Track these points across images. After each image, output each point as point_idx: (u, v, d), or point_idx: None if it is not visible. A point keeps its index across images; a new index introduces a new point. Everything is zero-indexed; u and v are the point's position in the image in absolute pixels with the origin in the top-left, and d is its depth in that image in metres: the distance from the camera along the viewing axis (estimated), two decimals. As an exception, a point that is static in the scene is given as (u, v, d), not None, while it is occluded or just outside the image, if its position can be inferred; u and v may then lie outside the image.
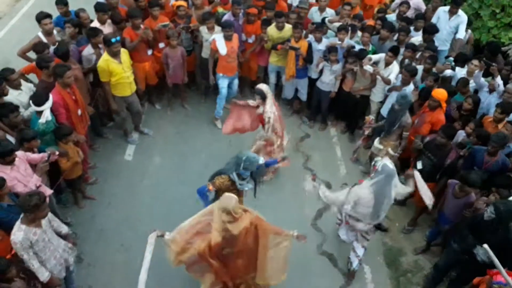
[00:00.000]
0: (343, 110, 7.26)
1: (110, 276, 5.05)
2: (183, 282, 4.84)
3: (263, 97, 5.74)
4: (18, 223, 3.79)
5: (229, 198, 3.89)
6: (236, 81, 7.16)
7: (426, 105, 5.69)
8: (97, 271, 5.07)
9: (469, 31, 7.40)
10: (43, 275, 3.96)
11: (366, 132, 6.28)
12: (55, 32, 6.17)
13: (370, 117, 6.13)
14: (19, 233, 3.75)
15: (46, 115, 4.87)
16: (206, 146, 6.87)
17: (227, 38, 6.49)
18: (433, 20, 7.36)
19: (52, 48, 5.74)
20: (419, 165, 5.41)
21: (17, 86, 5.21)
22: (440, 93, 5.56)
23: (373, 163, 4.67)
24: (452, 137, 5.32)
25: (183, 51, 6.79)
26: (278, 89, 7.74)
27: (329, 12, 7.42)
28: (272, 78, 7.48)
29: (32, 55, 5.95)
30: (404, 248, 5.72)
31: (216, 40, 6.51)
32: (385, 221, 6.01)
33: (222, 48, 6.52)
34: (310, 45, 6.74)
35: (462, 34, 7.25)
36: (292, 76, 7.00)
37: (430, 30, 6.77)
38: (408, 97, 5.56)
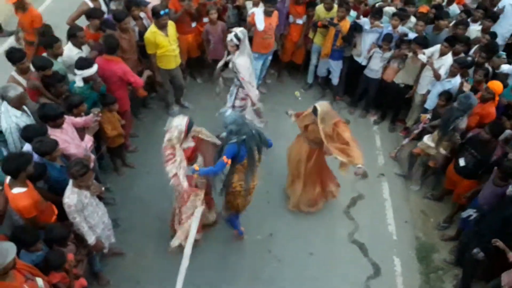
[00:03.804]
0: (384, 99, 7.08)
1: (143, 243, 5.21)
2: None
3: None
4: (70, 186, 3.91)
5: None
6: (270, 58, 7.05)
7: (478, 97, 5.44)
8: (132, 237, 5.23)
9: None
10: (91, 238, 4.12)
11: (416, 131, 6.04)
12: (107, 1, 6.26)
13: (427, 116, 5.86)
14: (73, 196, 3.88)
15: (79, 80, 4.96)
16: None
17: (267, 14, 6.35)
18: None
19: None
20: (462, 162, 5.22)
21: (81, 44, 5.35)
22: (496, 85, 5.29)
23: None
24: (498, 135, 5.07)
25: (223, 27, 6.72)
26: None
27: None
28: (314, 59, 7.36)
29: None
30: (437, 244, 5.62)
31: (256, 14, 6.39)
32: (420, 216, 5.93)
33: (260, 22, 6.38)
34: (352, 27, 6.55)
35: None
36: (326, 55, 6.89)
37: (492, 17, 6.40)
38: (471, 99, 5.22)
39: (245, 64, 5.57)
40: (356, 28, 6.51)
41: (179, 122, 4.28)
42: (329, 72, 7.26)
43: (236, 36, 5.38)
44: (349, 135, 4.88)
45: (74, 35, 5.31)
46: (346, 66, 7.13)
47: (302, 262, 5.27)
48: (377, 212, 5.94)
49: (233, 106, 5.97)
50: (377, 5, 6.97)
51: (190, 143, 4.51)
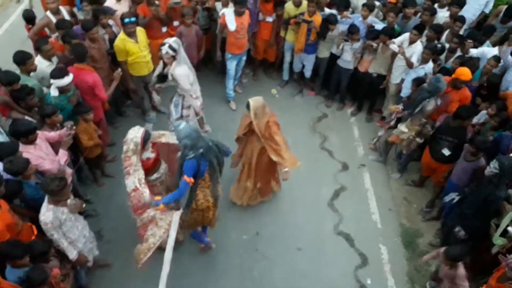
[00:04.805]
0: (359, 90, 7.16)
1: (130, 252, 5.09)
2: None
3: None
4: (45, 203, 3.85)
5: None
6: (244, 58, 7.05)
7: (449, 85, 5.54)
8: (116, 247, 5.16)
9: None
10: (72, 253, 4.06)
11: (392, 123, 6.08)
12: (76, 11, 6.17)
13: (399, 107, 5.90)
14: (49, 213, 3.82)
15: (53, 90, 4.88)
16: (223, 125, 6.85)
17: (238, 14, 6.33)
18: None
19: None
20: (446, 151, 5.28)
21: (49, 57, 5.27)
22: (465, 74, 5.40)
23: None
24: (467, 117, 5.12)
25: (197, 30, 6.70)
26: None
27: None
28: (288, 56, 7.39)
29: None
30: (421, 229, 5.71)
31: (226, 15, 6.37)
32: (403, 202, 6.01)
33: (231, 23, 6.36)
34: (324, 20, 6.59)
35: (489, 8, 7.04)
36: (300, 50, 6.92)
37: (458, 2, 6.52)
38: (440, 82, 5.32)
39: (184, 73, 5.37)
40: (329, 20, 6.52)
41: (134, 134, 4.21)
42: (303, 66, 7.30)
43: (170, 47, 5.18)
44: (279, 139, 4.94)
45: (39, 49, 5.23)
46: (326, 62, 7.16)
47: (291, 258, 5.28)
48: (361, 202, 6.01)
49: (182, 116, 5.76)
50: None
51: (150, 154, 4.46)
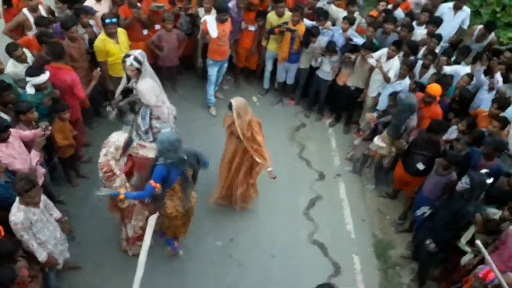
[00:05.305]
0: (338, 102, 7.27)
1: (101, 255, 5.07)
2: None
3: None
4: (16, 203, 3.77)
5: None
6: (225, 65, 7.08)
7: (421, 102, 5.66)
8: (88, 249, 5.06)
9: (493, 34, 7.15)
10: (41, 255, 3.97)
11: (368, 132, 6.18)
12: (54, 9, 6.08)
13: (374, 115, 6.01)
14: (19, 213, 3.73)
15: (29, 88, 4.81)
16: (202, 130, 6.84)
17: (221, 21, 6.33)
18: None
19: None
20: (421, 166, 5.37)
21: (23, 60, 5.14)
22: (434, 90, 5.56)
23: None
24: (439, 131, 5.23)
25: (179, 34, 6.71)
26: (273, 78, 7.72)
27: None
28: (269, 65, 7.44)
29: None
30: (393, 241, 5.79)
31: (207, 22, 6.36)
32: (376, 214, 6.11)
33: (213, 30, 6.35)
34: (307, 30, 6.68)
35: (466, 24, 7.32)
36: (284, 59, 6.98)
37: (436, 21, 6.71)
38: (411, 98, 5.44)
39: (148, 86, 5.13)
40: (312, 32, 6.62)
41: (117, 138, 4.14)
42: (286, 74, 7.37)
43: (135, 59, 4.92)
44: (261, 139, 5.00)
45: (10, 54, 5.10)
46: (306, 72, 7.24)
47: (264, 265, 5.28)
48: (335, 212, 6.06)
49: (150, 127, 5.44)
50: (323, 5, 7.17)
51: (125, 160, 4.40)
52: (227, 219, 5.69)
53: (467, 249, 4.63)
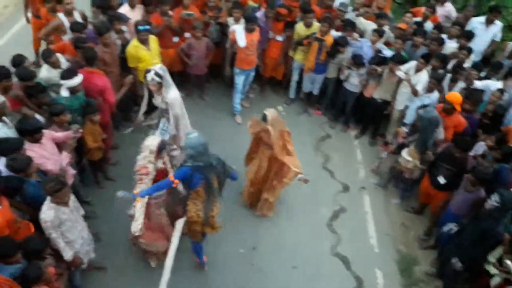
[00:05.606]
0: (364, 114, 7.23)
1: (125, 258, 5.13)
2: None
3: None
4: (47, 201, 3.85)
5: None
6: (252, 74, 7.13)
7: (442, 111, 5.58)
8: (113, 252, 5.13)
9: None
10: (68, 254, 4.05)
11: (395, 146, 6.07)
12: (89, 15, 6.27)
13: (403, 130, 5.92)
14: (50, 211, 3.82)
15: (64, 90, 4.94)
16: (227, 137, 6.88)
17: (249, 30, 6.41)
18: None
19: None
20: (442, 179, 5.30)
21: (57, 66, 5.29)
22: (452, 96, 5.50)
23: None
24: (467, 148, 5.18)
25: (208, 43, 6.81)
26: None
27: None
28: (295, 75, 7.47)
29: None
30: (418, 257, 5.68)
31: (236, 32, 6.46)
32: (401, 228, 6.00)
33: (241, 39, 6.44)
34: (334, 41, 6.69)
35: (499, 37, 7.23)
36: (310, 69, 6.99)
37: (468, 35, 6.63)
38: (431, 112, 5.39)
39: (176, 96, 5.17)
40: (340, 43, 6.62)
41: (150, 142, 4.24)
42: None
43: (156, 74, 4.95)
44: (292, 148, 5.21)
45: (45, 60, 5.26)
46: (333, 83, 7.24)
47: (286, 275, 5.25)
48: (359, 225, 6.00)
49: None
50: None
51: (161, 165, 4.48)
52: (249, 226, 5.70)
53: (495, 271, 4.49)
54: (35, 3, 6.94)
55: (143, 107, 5.39)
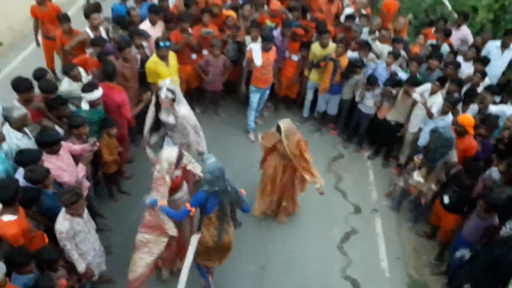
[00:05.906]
0: (377, 136, 7.24)
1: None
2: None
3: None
4: (62, 213, 3.91)
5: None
6: (267, 92, 7.21)
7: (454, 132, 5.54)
8: (124, 265, 5.10)
9: None
10: (81, 266, 4.10)
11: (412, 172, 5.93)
12: (110, 28, 6.43)
13: (419, 157, 5.80)
14: (65, 222, 3.88)
15: (84, 104, 5.04)
16: (240, 154, 6.94)
17: (265, 49, 6.51)
18: (483, 54, 7.22)
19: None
20: (446, 199, 5.30)
21: (78, 80, 5.43)
22: (464, 118, 5.49)
23: None
24: (476, 174, 5.17)
25: (225, 61, 6.93)
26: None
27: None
28: (310, 94, 7.54)
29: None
30: (429, 282, 5.60)
31: (253, 50, 6.56)
32: (412, 253, 5.94)
33: (258, 58, 6.54)
34: (349, 63, 6.75)
35: None
36: (325, 89, 7.04)
37: (483, 60, 6.64)
38: (449, 132, 5.36)
39: (187, 109, 5.19)
40: (356, 65, 6.67)
41: (169, 154, 4.28)
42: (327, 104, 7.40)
43: (168, 90, 4.94)
44: (309, 156, 5.29)
45: (67, 73, 5.41)
46: (348, 104, 7.28)
47: (295, 296, 5.23)
48: (370, 248, 5.95)
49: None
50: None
51: (178, 173, 4.52)
52: (260, 244, 5.70)
53: None
54: (45, 24, 7.19)
55: (148, 124, 5.29)
